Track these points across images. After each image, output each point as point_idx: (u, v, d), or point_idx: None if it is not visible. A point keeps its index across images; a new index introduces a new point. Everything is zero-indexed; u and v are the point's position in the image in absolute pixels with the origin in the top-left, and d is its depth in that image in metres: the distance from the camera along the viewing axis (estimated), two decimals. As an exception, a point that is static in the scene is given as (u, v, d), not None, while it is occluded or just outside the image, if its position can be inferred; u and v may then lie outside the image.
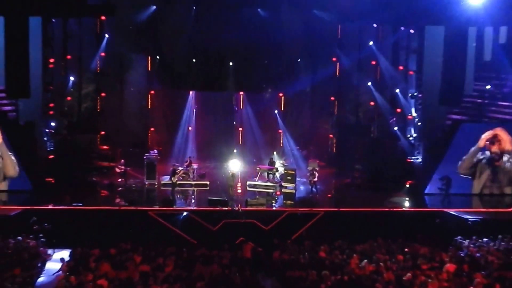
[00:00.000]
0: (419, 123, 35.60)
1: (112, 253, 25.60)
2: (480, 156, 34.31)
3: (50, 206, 31.19)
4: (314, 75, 40.66)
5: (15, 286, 22.39)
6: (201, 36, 38.57)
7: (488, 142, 34.22)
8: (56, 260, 26.12)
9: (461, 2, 32.81)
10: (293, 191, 34.47)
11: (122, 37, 39.11)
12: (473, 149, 34.24)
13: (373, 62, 38.22)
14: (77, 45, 37.41)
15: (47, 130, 35.03)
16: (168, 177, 34.32)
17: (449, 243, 28.01)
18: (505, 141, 34.32)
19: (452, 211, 31.50)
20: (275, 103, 40.90)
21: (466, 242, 27.95)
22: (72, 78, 37.66)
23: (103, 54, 38.37)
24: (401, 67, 37.45)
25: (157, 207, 31.28)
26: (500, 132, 34.35)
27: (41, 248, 26.75)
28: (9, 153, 32.78)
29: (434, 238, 28.48)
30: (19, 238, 26.86)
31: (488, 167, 34.43)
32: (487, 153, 34.30)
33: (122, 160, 36.25)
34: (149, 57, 39.78)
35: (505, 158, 34.37)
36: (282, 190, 34.57)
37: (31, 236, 27.31)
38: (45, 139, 34.76)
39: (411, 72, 36.57)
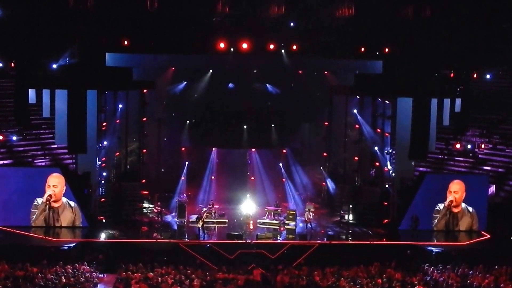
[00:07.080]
0: (393, 174, 35.45)
1: (150, 277, 25.49)
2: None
3: (101, 239, 31.24)
4: (310, 136, 40.69)
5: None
6: (221, 104, 38.81)
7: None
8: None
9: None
10: (294, 227, 34.17)
11: (159, 105, 39.38)
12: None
13: (356, 126, 38.26)
14: (124, 112, 37.58)
15: (99, 179, 35.05)
16: (195, 216, 34.12)
17: (418, 270, 27.86)
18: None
19: (420, 244, 31.38)
20: (280, 158, 40.85)
21: (431, 269, 27.78)
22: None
23: (144, 119, 38.54)
24: (378, 130, 37.45)
25: (186, 240, 31.31)
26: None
27: (94, 273, 26.69)
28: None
29: (406, 266, 28.33)
30: (77, 264, 26.83)
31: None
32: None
33: (159, 203, 36.19)
34: (180, 121, 39.98)
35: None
36: (285, 226, 34.31)
37: (86, 263, 27.29)
38: (98, 186, 34.76)
39: (386, 134, 36.56)
